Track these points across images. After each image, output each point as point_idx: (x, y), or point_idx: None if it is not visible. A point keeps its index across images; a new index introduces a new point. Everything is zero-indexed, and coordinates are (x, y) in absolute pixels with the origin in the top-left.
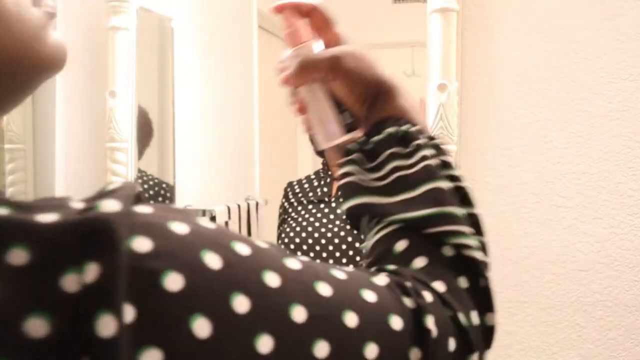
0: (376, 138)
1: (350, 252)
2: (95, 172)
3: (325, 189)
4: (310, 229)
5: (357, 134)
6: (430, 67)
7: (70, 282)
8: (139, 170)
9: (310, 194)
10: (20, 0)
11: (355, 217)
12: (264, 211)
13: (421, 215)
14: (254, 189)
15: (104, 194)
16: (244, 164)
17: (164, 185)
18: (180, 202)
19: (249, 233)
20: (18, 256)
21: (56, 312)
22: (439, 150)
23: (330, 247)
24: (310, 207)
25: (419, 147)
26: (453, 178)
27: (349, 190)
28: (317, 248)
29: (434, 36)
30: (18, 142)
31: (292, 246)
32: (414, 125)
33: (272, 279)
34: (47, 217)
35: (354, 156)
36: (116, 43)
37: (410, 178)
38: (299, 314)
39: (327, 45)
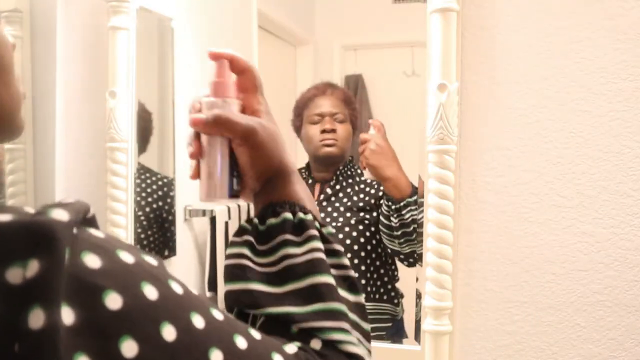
0: (272, 221)
1: None
2: (95, 172)
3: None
4: None
5: (237, 202)
6: (430, 67)
7: (14, 275)
8: (139, 167)
9: None
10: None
11: (237, 300)
12: None
13: (306, 311)
14: None
15: (56, 205)
16: None
17: (164, 183)
18: (180, 202)
19: None
20: None
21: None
22: (330, 239)
23: None
24: None
25: (311, 238)
26: (341, 266)
27: (238, 271)
28: None
29: (434, 36)
30: (18, 142)
31: None
32: (306, 213)
33: (198, 321)
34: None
35: (247, 237)
36: (116, 43)
37: (299, 268)
38: (217, 356)
39: (245, 108)
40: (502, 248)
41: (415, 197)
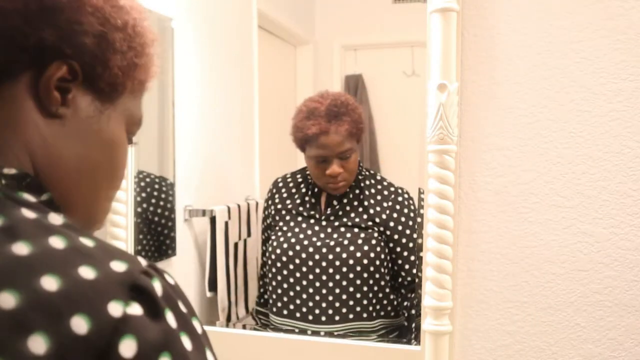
0: None
1: (337, 277)
2: None
3: (313, 200)
4: (298, 247)
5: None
6: (430, 67)
7: (114, 308)
8: (139, 168)
9: (300, 205)
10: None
11: None
12: None
13: None
14: (254, 189)
15: (160, 274)
16: (244, 164)
17: (164, 183)
18: (180, 202)
19: (249, 233)
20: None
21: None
22: None
23: (317, 270)
24: (299, 219)
25: None
26: None
27: None
28: (304, 269)
29: (434, 36)
30: None
31: (278, 264)
32: None
33: None
34: (119, 266)
35: None
36: None
37: None
38: None
39: None
40: (502, 248)
41: None
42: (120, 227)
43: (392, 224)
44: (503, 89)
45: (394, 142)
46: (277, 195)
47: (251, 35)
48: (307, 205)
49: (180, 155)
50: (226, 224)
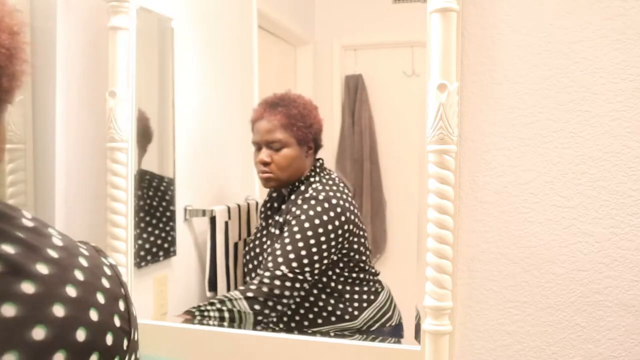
0: None
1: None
2: (95, 172)
3: (275, 202)
4: (248, 251)
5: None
6: (430, 67)
7: None
8: (139, 167)
9: (269, 208)
10: None
11: None
12: None
13: None
14: (254, 189)
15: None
16: (244, 164)
17: (164, 183)
18: (180, 202)
19: (249, 233)
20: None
21: None
22: None
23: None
24: (263, 223)
25: None
26: None
27: None
28: (253, 274)
29: (434, 36)
30: (18, 142)
31: (245, 269)
32: None
33: None
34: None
35: None
36: (116, 43)
37: None
38: None
39: None
40: (502, 248)
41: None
42: (120, 227)
43: (286, 221)
44: (503, 89)
45: (394, 142)
46: (263, 201)
47: (251, 35)
48: (273, 206)
49: (180, 155)
50: (226, 224)
